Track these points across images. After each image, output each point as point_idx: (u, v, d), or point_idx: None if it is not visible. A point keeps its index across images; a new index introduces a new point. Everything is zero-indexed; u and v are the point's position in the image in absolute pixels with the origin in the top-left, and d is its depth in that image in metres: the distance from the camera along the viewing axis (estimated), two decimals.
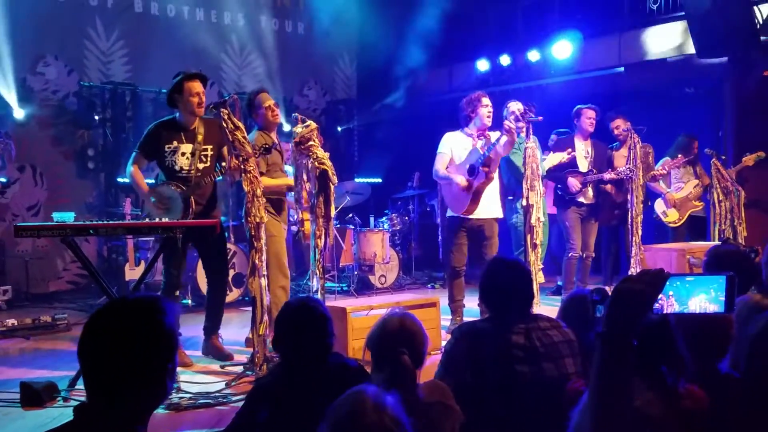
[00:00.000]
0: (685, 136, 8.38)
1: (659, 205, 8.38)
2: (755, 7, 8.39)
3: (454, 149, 6.64)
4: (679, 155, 8.04)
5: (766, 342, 2.23)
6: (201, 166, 5.82)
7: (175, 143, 5.78)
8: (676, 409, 2.15)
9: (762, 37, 8.33)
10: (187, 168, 5.77)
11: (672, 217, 8.29)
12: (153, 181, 6.05)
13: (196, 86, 5.75)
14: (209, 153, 5.87)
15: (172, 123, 5.87)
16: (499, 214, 6.79)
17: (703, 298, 1.88)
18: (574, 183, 7.53)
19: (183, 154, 5.78)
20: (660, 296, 1.84)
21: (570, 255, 7.63)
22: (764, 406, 2.19)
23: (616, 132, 7.96)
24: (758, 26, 8.32)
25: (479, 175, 6.40)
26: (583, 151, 7.73)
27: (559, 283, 8.25)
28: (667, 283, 1.83)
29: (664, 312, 1.90)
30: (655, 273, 1.81)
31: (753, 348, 2.24)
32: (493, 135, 6.58)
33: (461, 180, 6.48)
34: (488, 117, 6.57)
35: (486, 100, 6.59)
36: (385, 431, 1.74)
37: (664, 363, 2.27)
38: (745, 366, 2.28)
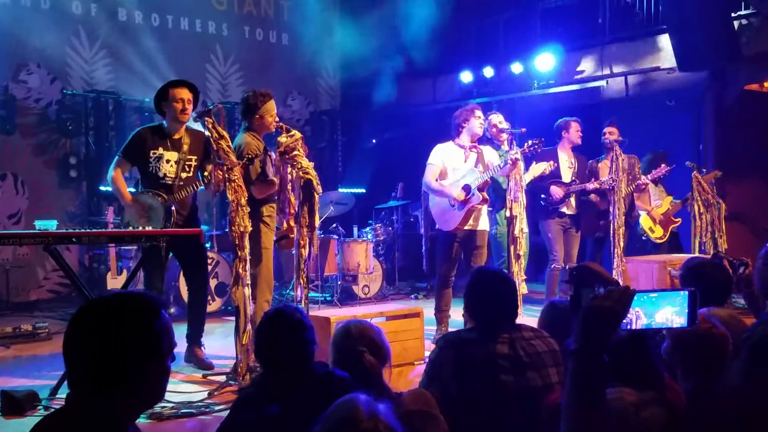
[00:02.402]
0: (654, 153, 8.47)
1: (645, 221, 8.42)
2: (736, 22, 8.50)
3: (447, 161, 6.60)
4: (662, 165, 8.08)
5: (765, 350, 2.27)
6: (184, 175, 5.81)
7: (160, 150, 5.76)
8: (656, 406, 2.18)
9: (742, 51, 8.43)
10: (172, 176, 5.76)
11: (658, 233, 8.36)
12: (134, 189, 6.01)
13: (181, 93, 5.71)
14: (193, 163, 5.86)
15: (159, 129, 5.84)
16: (488, 227, 6.81)
17: (670, 311, 1.94)
18: (556, 191, 7.55)
19: (168, 161, 5.76)
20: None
21: (553, 267, 7.60)
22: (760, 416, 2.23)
23: (607, 137, 7.89)
24: (739, 40, 8.43)
25: (475, 197, 6.42)
26: (567, 162, 7.75)
27: None
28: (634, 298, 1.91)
29: (633, 327, 1.96)
30: (622, 290, 1.88)
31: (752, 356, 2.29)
32: (485, 150, 6.65)
33: (457, 194, 6.43)
34: (480, 127, 6.63)
35: (479, 113, 6.67)
36: None
37: (639, 374, 2.30)
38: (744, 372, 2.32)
